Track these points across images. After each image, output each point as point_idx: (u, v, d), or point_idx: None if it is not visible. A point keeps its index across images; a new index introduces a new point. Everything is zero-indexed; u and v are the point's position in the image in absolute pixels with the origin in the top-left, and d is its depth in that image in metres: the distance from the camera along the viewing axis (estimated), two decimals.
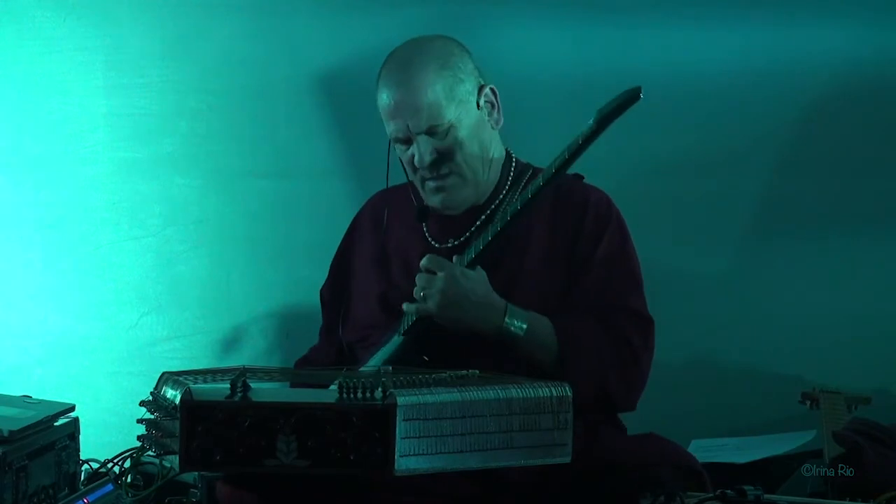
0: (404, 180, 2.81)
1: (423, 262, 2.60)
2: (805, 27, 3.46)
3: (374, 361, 2.67)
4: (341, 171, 3.54)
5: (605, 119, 2.43)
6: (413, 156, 2.67)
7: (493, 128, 2.74)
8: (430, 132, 2.64)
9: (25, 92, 3.54)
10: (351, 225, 2.95)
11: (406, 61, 2.67)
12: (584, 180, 2.75)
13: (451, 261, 2.61)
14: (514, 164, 2.78)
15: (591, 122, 2.45)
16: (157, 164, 3.54)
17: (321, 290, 2.96)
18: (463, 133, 2.67)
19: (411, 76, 2.64)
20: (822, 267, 3.49)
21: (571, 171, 2.60)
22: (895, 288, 3.49)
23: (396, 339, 2.67)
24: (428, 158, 2.65)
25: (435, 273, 2.58)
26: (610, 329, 2.61)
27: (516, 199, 2.58)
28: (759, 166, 3.50)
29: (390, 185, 2.83)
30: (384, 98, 2.67)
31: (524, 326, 2.57)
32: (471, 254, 2.59)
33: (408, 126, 2.65)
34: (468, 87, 2.68)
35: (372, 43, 3.49)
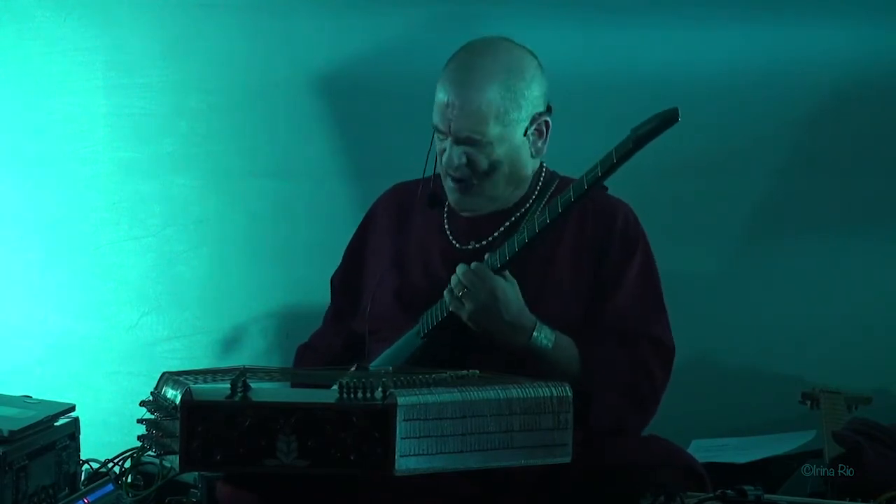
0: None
1: (472, 266, 2.57)
2: (806, 27, 3.46)
3: (384, 360, 2.67)
4: (341, 171, 3.54)
5: (641, 140, 2.43)
6: (444, 150, 2.67)
7: (532, 155, 2.71)
8: (467, 142, 2.63)
9: (25, 92, 3.53)
10: (367, 215, 2.93)
11: (473, 64, 2.63)
12: (608, 191, 2.72)
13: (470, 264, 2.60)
14: (543, 174, 2.76)
15: (628, 141, 2.44)
16: (157, 164, 3.54)
17: (332, 277, 2.95)
18: (498, 153, 2.65)
19: (470, 82, 2.61)
20: (822, 267, 3.49)
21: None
22: (894, 288, 3.49)
23: (414, 341, 2.66)
24: (456, 162, 2.65)
25: (481, 282, 2.55)
26: (634, 360, 2.61)
27: (545, 211, 2.56)
28: (759, 167, 3.50)
29: (418, 176, 2.80)
30: (440, 92, 2.65)
31: (549, 347, 2.57)
32: (496, 262, 2.57)
33: (450, 126, 2.63)
34: (522, 115, 2.64)
35: (372, 43, 3.50)
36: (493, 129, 2.62)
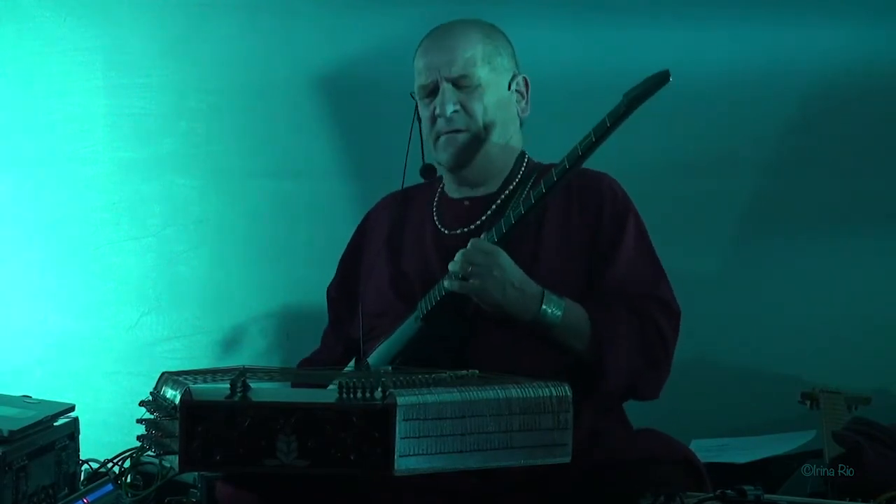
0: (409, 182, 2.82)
1: (471, 243, 2.57)
2: (806, 27, 3.46)
3: (383, 349, 2.67)
4: (341, 171, 3.55)
5: (635, 101, 2.44)
6: (435, 108, 2.70)
7: (518, 115, 2.77)
8: (458, 84, 2.69)
9: (25, 92, 3.54)
10: (361, 224, 2.95)
11: (450, 26, 2.75)
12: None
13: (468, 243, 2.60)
14: (526, 160, 2.79)
15: (621, 105, 2.45)
16: (157, 164, 3.54)
17: (328, 289, 2.95)
18: (489, 98, 2.70)
19: (453, 34, 2.72)
20: (821, 267, 3.49)
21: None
22: (894, 287, 3.49)
23: (412, 326, 2.65)
24: (450, 108, 2.68)
25: (485, 254, 2.54)
26: (643, 319, 2.61)
27: (540, 183, 2.56)
28: (757, 166, 3.50)
29: (417, 176, 2.82)
30: (420, 59, 2.73)
31: (559, 314, 2.56)
32: (493, 236, 2.58)
33: (439, 73, 2.69)
34: (504, 64, 2.74)
35: (372, 43, 3.50)
36: (482, 70, 2.70)
